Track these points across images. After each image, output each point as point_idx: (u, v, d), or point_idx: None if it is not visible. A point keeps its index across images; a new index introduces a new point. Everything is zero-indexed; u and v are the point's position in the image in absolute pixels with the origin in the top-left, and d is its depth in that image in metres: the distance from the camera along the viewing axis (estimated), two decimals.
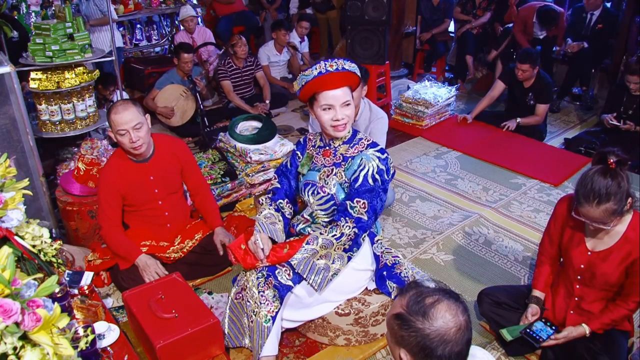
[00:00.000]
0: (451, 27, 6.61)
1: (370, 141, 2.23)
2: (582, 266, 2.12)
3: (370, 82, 5.01)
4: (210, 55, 5.80)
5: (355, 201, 2.12)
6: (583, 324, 2.11)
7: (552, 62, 5.58)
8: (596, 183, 1.88)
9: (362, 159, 2.16)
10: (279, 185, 2.40)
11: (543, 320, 2.20)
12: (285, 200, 2.39)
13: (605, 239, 2.06)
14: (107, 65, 4.36)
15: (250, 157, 3.58)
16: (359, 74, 2.13)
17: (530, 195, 3.73)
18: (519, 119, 4.55)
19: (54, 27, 3.05)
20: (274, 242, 2.24)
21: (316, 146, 2.31)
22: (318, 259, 2.14)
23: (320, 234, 2.14)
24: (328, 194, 2.22)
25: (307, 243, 2.12)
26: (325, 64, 2.05)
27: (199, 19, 6.24)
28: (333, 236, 2.12)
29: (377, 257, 2.38)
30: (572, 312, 2.20)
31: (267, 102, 5.14)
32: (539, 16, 5.34)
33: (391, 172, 2.22)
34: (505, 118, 4.67)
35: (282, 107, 5.41)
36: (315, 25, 7.04)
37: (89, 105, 3.31)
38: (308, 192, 2.28)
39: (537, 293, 2.29)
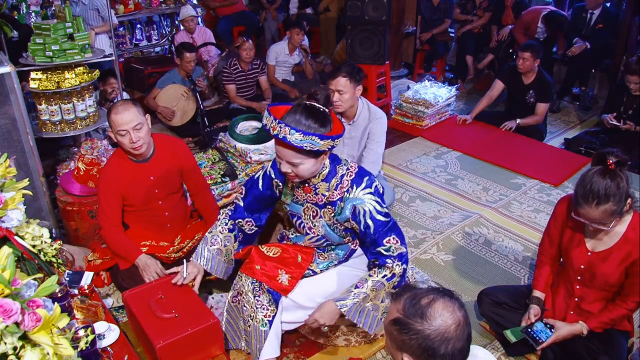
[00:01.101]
0: (451, 27, 6.61)
1: (354, 175, 2.03)
2: (582, 266, 2.12)
3: (370, 82, 5.02)
4: (211, 55, 5.80)
5: (385, 242, 2.02)
6: (580, 322, 2.11)
7: (552, 62, 5.58)
8: (595, 184, 1.88)
9: (354, 206, 2.01)
10: (241, 204, 2.27)
11: (543, 321, 2.20)
12: (245, 220, 2.28)
13: (605, 240, 2.06)
14: (106, 65, 4.34)
15: (251, 157, 3.58)
16: (308, 148, 1.83)
17: (530, 196, 3.73)
18: (518, 120, 4.55)
19: (54, 27, 3.04)
20: (207, 274, 2.21)
21: None
22: (369, 303, 2.05)
23: (370, 275, 2.04)
24: (317, 234, 2.18)
25: (357, 287, 2.03)
26: (272, 121, 1.83)
27: (199, 19, 6.23)
28: (384, 277, 2.03)
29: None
30: (572, 312, 2.20)
31: (268, 100, 5.13)
32: (546, 21, 5.34)
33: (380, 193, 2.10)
34: (505, 118, 4.67)
35: None
36: (315, 25, 7.06)
37: (89, 105, 3.30)
38: (297, 224, 2.23)
39: (537, 293, 2.29)
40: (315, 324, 2.07)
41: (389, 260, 2.03)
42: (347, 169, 2.05)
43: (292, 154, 1.88)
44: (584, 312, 2.17)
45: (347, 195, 2.02)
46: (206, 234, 2.28)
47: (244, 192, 2.28)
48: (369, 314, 2.05)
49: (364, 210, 2.00)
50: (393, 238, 2.03)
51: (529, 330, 2.16)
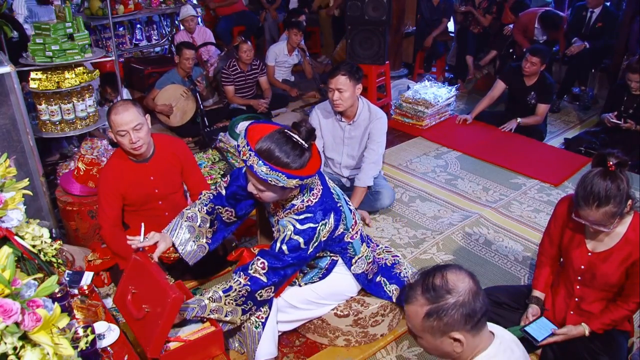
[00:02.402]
0: (451, 27, 6.61)
1: (304, 207, 1.99)
2: (582, 267, 2.12)
3: (370, 82, 5.01)
4: (211, 55, 5.80)
5: (256, 259, 1.99)
6: (583, 324, 2.11)
7: (552, 63, 5.58)
8: (596, 186, 1.88)
9: (280, 226, 2.01)
10: (223, 192, 2.24)
11: (542, 318, 2.20)
12: (224, 208, 2.26)
13: (606, 240, 2.06)
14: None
15: None
16: (273, 183, 1.80)
17: (530, 195, 3.73)
18: (519, 119, 4.55)
19: (54, 27, 3.04)
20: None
21: None
22: (210, 312, 1.95)
23: (217, 286, 2.00)
24: None
25: (202, 294, 1.99)
26: (245, 146, 1.80)
27: (199, 19, 6.23)
28: (222, 289, 1.97)
29: (359, 276, 2.28)
30: (572, 312, 2.20)
31: (267, 99, 5.13)
32: (542, 21, 5.34)
33: (323, 237, 2.00)
34: (505, 118, 4.67)
35: (283, 107, 5.41)
36: (316, 25, 7.05)
37: (89, 105, 3.30)
38: (273, 231, 2.21)
39: (537, 293, 2.29)
40: None
41: (236, 274, 1.99)
42: (302, 200, 1.99)
43: (259, 181, 1.85)
44: (584, 313, 2.17)
45: (283, 215, 2.02)
46: (184, 209, 2.25)
47: (228, 181, 2.26)
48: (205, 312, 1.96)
49: (281, 230, 1.99)
50: (262, 262, 1.97)
51: (528, 329, 2.17)
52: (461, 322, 1.28)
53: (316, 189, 2.03)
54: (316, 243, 1.99)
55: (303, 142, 1.83)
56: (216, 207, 2.27)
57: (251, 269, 1.98)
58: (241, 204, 2.28)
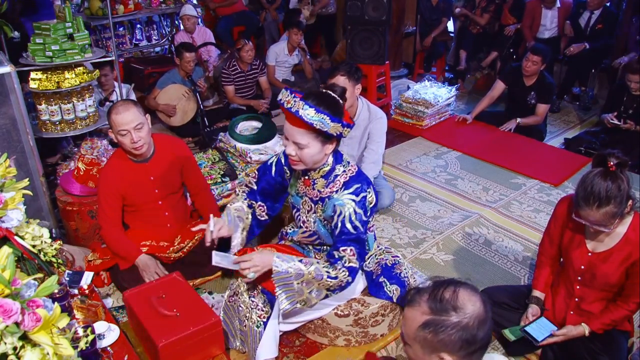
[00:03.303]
0: (450, 27, 6.61)
1: (348, 178, 2.03)
2: (582, 267, 2.12)
3: (370, 82, 5.02)
4: (211, 55, 5.80)
5: (341, 250, 1.99)
6: (583, 324, 2.11)
7: (553, 63, 5.57)
8: (596, 186, 1.87)
9: (334, 205, 2.00)
10: (255, 187, 2.30)
11: (542, 318, 2.20)
12: (257, 203, 2.30)
13: (606, 240, 2.06)
14: None
15: (251, 157, 3.58)
16: (318, 127, 1.85)
17: (530, 195, 3.73)
18: (519, 120, 4.55)
19: (54, 27, 3.04)
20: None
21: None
22: (299, 283, 1.98)
23: (318, 262, 2.01)
24: (310, 230, 2.18)
25: (301, 261, 1.99)
26: (288, 95, 1.87)
27: (199, 19, 6.23)
28: (327, 273, 1.97)
29: (369, 273, 2.32)
30: (572, 312, 2.20)
31: (267, 99, 5.13)
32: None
33: (370, 208, 2.05)
34: (505, 118, 4.67)
35: None
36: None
37: (89, 105, 3.30)
38: (295, 216, 2.24)
39: (537, 293, 2.29)
40: (244, 264, 1.99)
41: (338, 264, 1.99)
42: (344, 170, 2.05)
43: (301, 133, 1.89)
44: (584, 313, 2.17)
45: (334, 195, 2.03)
46: (228, 205, 2.28)
47: (256, 177, 2.30)
48: (291, 292, 1.98)
49: (340, 212, 1.99)
50: (351, 250, 1.99)
51: (528, 329, 2.17)
52: (456, 345, 1.18)
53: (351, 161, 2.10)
54: (368, 213, 2.04)
55: (339, 99, 1.95)
56: (250, 202, 2.31)
57: (345, 261, 1.98)
58: (272, 201, 2.33)
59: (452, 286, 1.23)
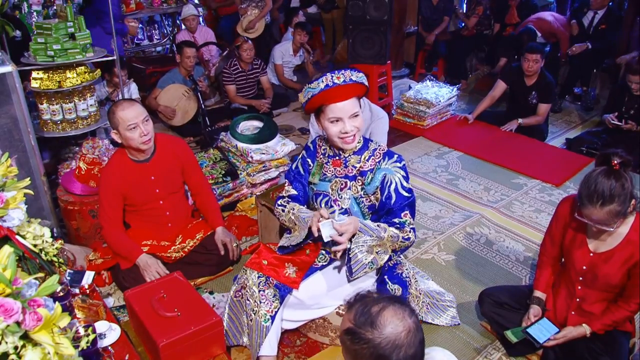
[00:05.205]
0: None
1: (385, 149, 2.20)
2: (584, 267, 2.12)
3: (372, 82, 5.01)
4: (212, 55, 5.80)
5: (402, 215, 2.13)
6: (584, 324, 2.11)
7: (558, 63, 5.56)
8: (600, 184, 1.87)
9: (385, 175, 2.14)
10: (295, 192, 2.30)
11: (544, 319, 2.20)
12: (304, 207, 2.30)
13: (608, 241, 2.05)
14: None
15: (252, 157, 3.57)
16: (366, 83, 2.08)
17: (531, 196, 3.73)
18: (520, 120, 4.55)
19: (56, 26, 3.04)
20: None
21: (326, 154, 2.26)
22: (376, 251, 2.09)
23: (385, 229, 2.10)
24: (342, 208, 2.19)
25: (378, 227, 2.08)
26: (332, 76, 2.01)
27: (201, 19, 6.23)
28: (400, 235, 2.11)
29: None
30: (573, 312, 2.19)
31: (269, 99, 5.13)
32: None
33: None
34: (506, 118, 4.67)
35: (284, 107, 5.41)
36: (317, 25, 7.04)
37: (91, 105, 3.31)
38: (321, 203, 2.24)
39: (538, 294, 2.29)
40: (344, 227, 1.99)
41: (406, 226, 2.13)
42: (379, 145, 2.22)
43: (353, 102, 2.05)
44: (585, 313, 2.16)
45: (379, 165, 2.16)
46: (290, 216, 2.23)
47: (290, 184, 2.31)
48: (367, 252, 2.05)
49: (391, 181, 2.13)
50: (409, 214, 2.15)
51: (529, 330, 2.16)
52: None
53: None
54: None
55: None
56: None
57: (409, 224, 2.13)
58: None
59: (383, 302, 1.22)
